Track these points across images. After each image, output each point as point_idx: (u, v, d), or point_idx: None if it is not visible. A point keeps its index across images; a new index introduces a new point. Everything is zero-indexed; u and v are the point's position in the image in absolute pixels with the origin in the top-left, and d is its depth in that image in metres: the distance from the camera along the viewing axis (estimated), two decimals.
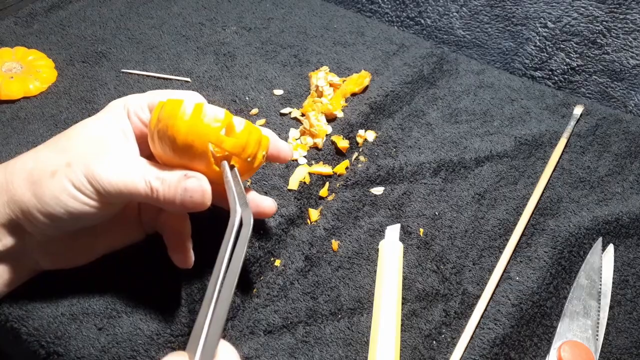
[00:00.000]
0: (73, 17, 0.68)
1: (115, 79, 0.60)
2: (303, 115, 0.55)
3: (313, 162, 0.52)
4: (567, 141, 0.55)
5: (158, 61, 0.62)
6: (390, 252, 0.44)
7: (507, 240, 0.46)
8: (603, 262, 0.45)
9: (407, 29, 0.74)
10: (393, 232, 0.46)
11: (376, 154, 0.53)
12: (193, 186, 0.34)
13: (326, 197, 0.50)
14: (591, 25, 0.60)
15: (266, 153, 0.38)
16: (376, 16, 0.76)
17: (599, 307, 0.42)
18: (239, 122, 0.36)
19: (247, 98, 0.58)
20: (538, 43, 0.65)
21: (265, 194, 0.48)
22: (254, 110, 0.56)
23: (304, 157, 0.52)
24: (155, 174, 0.34)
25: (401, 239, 0.46)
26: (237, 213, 0.33)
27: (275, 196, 0.48)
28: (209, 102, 0.56)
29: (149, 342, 0.37)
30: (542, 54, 0.65)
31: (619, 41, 0.59)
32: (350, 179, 0.51)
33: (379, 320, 0.40)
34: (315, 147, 0.53)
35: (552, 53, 0.64)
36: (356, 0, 0.76)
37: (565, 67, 0.64)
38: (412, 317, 0.41)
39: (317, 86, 0.56)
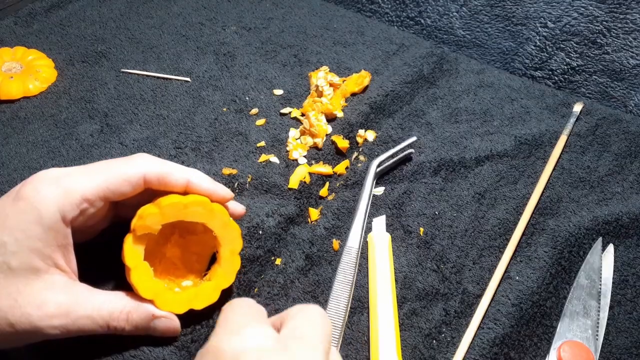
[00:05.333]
0: (73, 17, 0.68)
1: (115, 78, 0.60)
2: (303, 115, 0.55)
3: (313, 161, 0.52)
4: (567, 140, 0.55)
5: (158, 61, 0.62)
6: (380, 243, 0.45)
7: (507, 239, 0.46)
8: (603, 262, 0.45)
9: (407, 29, 0.74)
10: (379, 223, 0.47)
11: (376, 153, 0.53)
12: (163, 327, 0.36)
13: (326, 196, 0.50)
14: (591, 25, 0.60)
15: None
16: (376, 16, 0.76)
17: (599, 307, 0.42)
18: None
19: (247, 98, 0.58)
20: (538, 43, 0.65)
21: (266, 192, 0.48)
22: (254, 110, 0.56)
23: (304, 156, 0.52)
24: (116, 314, 0.35)
25: (402, 239, 0.46)
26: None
27: (276, 195, 0.48)
28: (208, 102, 0.57)
29: None
30: (542, 54, 0.65)
31: (619, 41, 0.59)
32: (350, 179, 0.51)
33: (376, 314, 0.40)
34: (315, 147, 0.53)
35: (552, 53, 0.64)
36: (356, 0, 0.76)
37: (565, 67, 0.64)
38: (412, 316, 0.41)
39: (317, 86, 0.56)
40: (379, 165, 0.50)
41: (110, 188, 0.35)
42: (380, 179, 0.51)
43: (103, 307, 0.34)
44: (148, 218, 0.36)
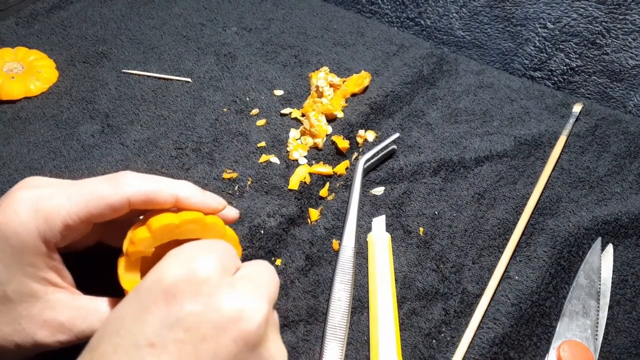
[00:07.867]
0: (74, 18, 0.68)
1: (116, 79, 0.60)
2: (303, 115, 0.55)
3: (313, 162, 0.52)
4: (567, 141, 0.55)
5: (159, 61, 0.62)
6: (379, 243, 0.45)
7: (507, 239, 0.46)
8: (602, 261, 0.45)
9: (407, 30, 0.74)
10: (379, 223, 0.47)
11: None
12: None
13: (326, 197, 0.50)
14: (590, 26, 0.60)
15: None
16: (376, 17, 0.76)
17: (598, 307, 0.42)
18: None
19: (247, 98, 0.58)
20: (537, 43, 0.65)
21: (266, 193, 0.49)
22: (255, 111, 0.56)
23: (304, 157, 0.52)
24: None
25: (401, 239, 0.46)
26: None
27: (276, 196, 0.48)
28: (209, 103, 0.57)
29: None
30: (542, 55, 0.65)
31: (619, 42, 0.59)
32: (350, 179, 0.51)
33: (376, 313, 0.40)
34: (315, 147, 0.53)
35: (552, 53, 0.64)
36: (356, 1, 0.76)
37: (565, 68, 0.64)
38: (412, 316, 0.41)
39: (317, 86, 0.56)
40: (365, 162, 0.50)
41: (92, 213, 0.33)
42: (380, 179, 0.51)
43: (104, 317, 0.34)
44: (140, 243, 0.34)
